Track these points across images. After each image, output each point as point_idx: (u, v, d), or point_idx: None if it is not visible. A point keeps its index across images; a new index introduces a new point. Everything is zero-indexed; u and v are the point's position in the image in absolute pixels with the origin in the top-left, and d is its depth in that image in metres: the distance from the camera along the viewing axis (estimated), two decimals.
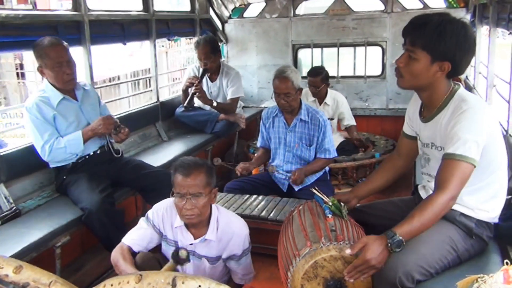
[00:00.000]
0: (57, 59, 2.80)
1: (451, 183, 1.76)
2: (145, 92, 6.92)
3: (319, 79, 4.34)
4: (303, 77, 3.74)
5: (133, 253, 2.17)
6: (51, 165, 2.98)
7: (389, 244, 1.73)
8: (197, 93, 4.33)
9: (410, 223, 1.75)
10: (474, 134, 1.77)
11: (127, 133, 3.05)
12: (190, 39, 9.45)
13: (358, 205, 2.29)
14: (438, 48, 1.80)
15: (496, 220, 1.99)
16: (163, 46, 10.59)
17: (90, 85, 3.26)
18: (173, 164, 2.11)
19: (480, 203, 1.92)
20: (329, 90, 4.49)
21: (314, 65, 5.18)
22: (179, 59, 10.98)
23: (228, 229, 2.15)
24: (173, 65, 10.86)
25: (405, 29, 1.90)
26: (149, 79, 5.13)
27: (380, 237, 1.76)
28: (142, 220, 2.22)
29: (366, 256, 1.72)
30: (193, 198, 2.00)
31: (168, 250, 2.20)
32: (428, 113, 2.01)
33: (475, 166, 1.78)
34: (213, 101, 4.48)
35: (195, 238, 2.14)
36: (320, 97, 4.44)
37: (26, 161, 2.95)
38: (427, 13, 1.92)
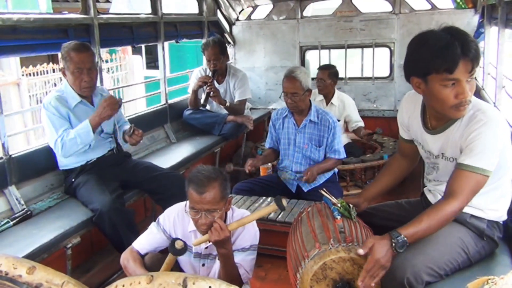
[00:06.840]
0: (78, 65, 2.83)
1: (465, 193, 1.77)
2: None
3: (327, 73, 4.35)
4: (312, 78, 3.74)
5: (142, 256, 2.17)
6: (61, 168, 3.02)
7: (393, 244, 1.74)
8: (211, 92, 4.35)
9: (417, 226, 1.76)
10: (494, 146, 1.78)
11: (141, 134, 3.08)
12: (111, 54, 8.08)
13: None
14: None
15: (504, 218, 1.99)
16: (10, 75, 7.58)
17: (108, 92, 3.27)
18: (188, 176, 2.05)
19: (490, 203, 1.93)
20: (336, 91, 4.47)
21: None
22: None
23: None
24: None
25: (464, 55, 1.70)
26: None
27: (384, 237, 1.77)
28: (152, 225, 2.21)
29: (375, 256, 1.72)
30: (208, 213, 1.98)
31: None
32: (436, 124, 1.98)
33: (488, 176, 1.79)
34: (226, 101, 4.51)
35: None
36: (327, 97, 4.44)
37: (37, 163, 3.00)
38: (452, 29, 1.77)
